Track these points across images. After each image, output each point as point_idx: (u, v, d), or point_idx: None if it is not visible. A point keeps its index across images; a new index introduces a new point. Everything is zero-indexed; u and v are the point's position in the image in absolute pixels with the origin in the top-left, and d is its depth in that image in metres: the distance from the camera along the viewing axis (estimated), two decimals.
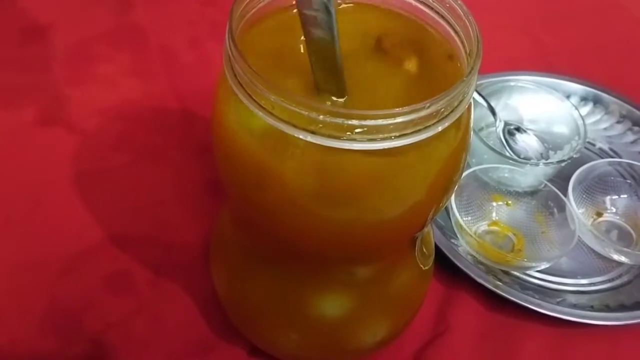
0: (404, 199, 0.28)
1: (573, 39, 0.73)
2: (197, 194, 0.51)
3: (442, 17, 0.30)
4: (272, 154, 0.27)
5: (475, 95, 0.53)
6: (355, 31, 0.31)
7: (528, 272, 0.49)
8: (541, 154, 0.56)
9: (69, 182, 0.51)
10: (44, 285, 0.45)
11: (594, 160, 0.54)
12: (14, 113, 0.56)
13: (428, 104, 0.24)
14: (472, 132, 0.31)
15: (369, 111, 0.24)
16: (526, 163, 0.52)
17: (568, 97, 0.59)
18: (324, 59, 0.26)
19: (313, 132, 0.24)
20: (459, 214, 0.47)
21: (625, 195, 0.54)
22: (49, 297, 0.44)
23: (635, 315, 0.45)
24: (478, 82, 0.28)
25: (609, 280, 0.49)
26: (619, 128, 0.61)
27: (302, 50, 0.29)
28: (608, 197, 0.54)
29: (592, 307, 0.46)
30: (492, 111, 0.56)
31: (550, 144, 0.56)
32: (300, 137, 0.24)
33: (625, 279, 0.49)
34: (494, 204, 0.52)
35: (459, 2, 0.29)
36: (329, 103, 0.27)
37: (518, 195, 0.52)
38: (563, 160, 0.52)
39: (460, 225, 0.47)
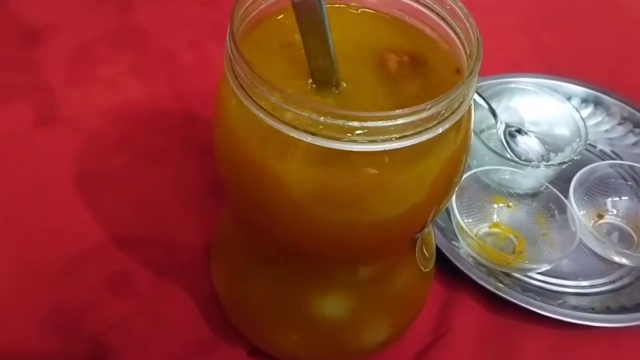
0: (404, 200, 0.28)
1: (574, 40, 0.73)
2: (198, 194, 0.51)
3: (443, 18, 0.30)
4: (272, 155, 0.27)
5: (476, 97, 0.54)
6: (357, 44, 0.31)
7: (529, 274, 0.49)
8: (542, 155, 0.56)
9: (70, 183, 0.51)
10: (45, 286, 0.45)
11: (595, 162, 0.54)
12: (15, 114, 0.56)
13: (429, 106, 0.24)
14: (472, 134, 0.31)
15: (369, 113, 0.24)
16: (527, 165, 0.52)
17: (569, 99, 0.59)
18: (317, 45, 0.26)
19: (314, 134, 0.24)
20: (460, 216, 0.47)
21: (627, 197, 0.54)
22: (49, 297, 0.44)
23: (636, 317, 0.45)
24: (479, 84, 0.28)
25: (610, 282, 0.49)
26: (620, 130, 0.61)
27: (303, 52, 0.30)
28: (609, 199, 0.54)
29: (593, 309, 0.46)
30: (493, 113, 0.56)
31: (551, 145, 0.56)
32: (301, 138, 0.24)
33: (626, 281, 0.49)
34: (495, 205, 0.52)
35: (459, 3, 0.29)
36: (329, 99, 0.27)
37: (519, 197, 0.52)
38: (564, 162, 0.52)
39: (461, 227, 0.47)
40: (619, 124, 0.61)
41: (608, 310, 0.46)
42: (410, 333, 0.42)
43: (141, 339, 0.43)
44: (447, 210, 0.49)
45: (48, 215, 0.49)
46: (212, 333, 0.43)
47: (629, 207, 0.53)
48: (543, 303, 0.45)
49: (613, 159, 0.58)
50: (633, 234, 0.52)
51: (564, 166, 0.52)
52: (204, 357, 0.42)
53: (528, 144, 0.56)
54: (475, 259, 0.48)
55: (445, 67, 0.30)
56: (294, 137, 0.25)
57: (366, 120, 0.24)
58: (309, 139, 0.24)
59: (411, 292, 0.40)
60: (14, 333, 0.42)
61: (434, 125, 0.25)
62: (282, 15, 0.31)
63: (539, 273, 0.49)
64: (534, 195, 0.52)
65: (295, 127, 0.24)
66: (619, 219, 0.53)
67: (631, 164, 0.55)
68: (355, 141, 0.24)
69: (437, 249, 0.45)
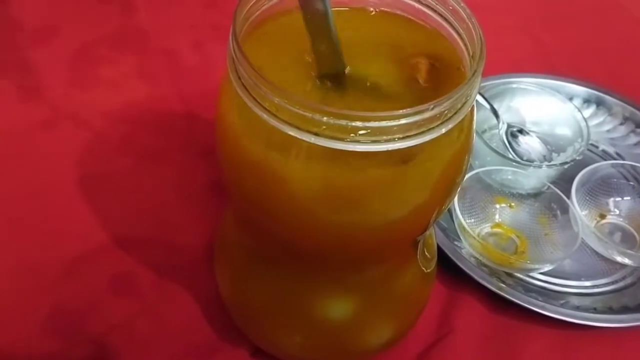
0: (407, 201, 0.28)
1: (574, 40, 0.73)
2: (201, 195, 0.51)
3: (445, 19, 0.30)
4: (276, 155, 0.27)
5: (479, 97, 0.54)
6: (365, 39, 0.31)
7: (531, 274, 0.49)
8: (544, 156, 0.56)
9: (72, 184, 0.51)
10: (47, 287, 0.45)
11: (597, 162, 0.54)
12: (18, 115, 0.56)
13: (432, 106, 0.24)
14: (475, 134, 0.31)
15: (372, 113, 0.24)
16: (529, 165, 0.52)
17: (571, 99, 0.59)
18: (319, 30, 0.27)
19: (317, 134, 0.24)
20: (462, 216, 0.47)
21: (629, 197, 0.54)
22: (51, 298, 0.44)
23: (638, 318, 0.45)
24: (481, 84, 0.28)
25: (613, 283, 0.49)
26: (622, 130, 0.61)
27: (305, 52, 0.30)
28: (611, 199, 0.54)
29: (595, 309, 0.46)
30: (495, 113, 0.56)
31: (553, 146, 0.56)
32: (304, 138, 0.24)
33: (628, 281, 0.49)
34: (497, 206, 0.52)
35: (462, 4, 0.29)
36: (332, 99, 0.27)
37: (521, 197, 0.52)
38: (566, 162, 0.52)
39: (464, 228, 0.47)
40: (621, 124, 0.61)
41: (610, 310, 0.46)
42: (413, 333, 0.42)
43: (143, 339, 0.43)
44: (449, 210, 0.49)
45: (50, 216, 0.49)
46: (215, 334, 0.43)
47: (631, 207, 0.53)
48: (545, 303, 0.45)
49: (615, 159, 0.58)
50: (635, 234, 0.52)
51: (566, 166, 0.52)
52: (206, 358, 0.43)
53: (530, 144, 0.56)
54: (478, 259, 0.48)
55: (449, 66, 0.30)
56: (296, 138, 0.25)
57: (369, 121, 0.24)
58: (312, 139, 0.24)
59: (413, 293, 0.40)
60: (16, 333, 0.42)
61: (437, 126, 0.25)
62: (285, 16, 0.31)
63: (541, 273, 0.49)
64: (536, 195, 0.52)
65: (298, 128, 0.24)
66: (621, 219, 0.53)
67: (633, 163, 0.55)
68: (358, 141, 0.24)
69: (440, 249, 0.45)
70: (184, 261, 0.47)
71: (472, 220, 0.50)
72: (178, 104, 0.59)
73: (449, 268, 0.47)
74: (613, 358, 0.45)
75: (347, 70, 0.29)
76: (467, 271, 0.46)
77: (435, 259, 0.42)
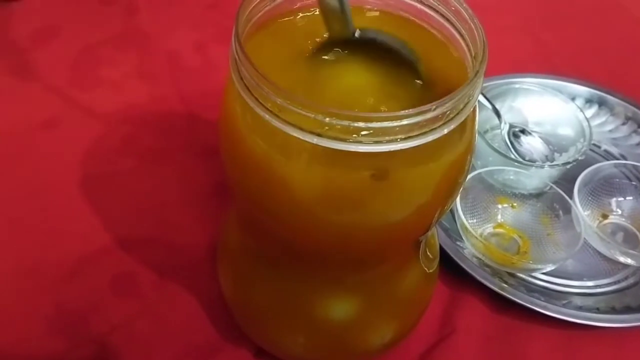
0: (410, 201, 0.29)
1: (575, 41, 0.73)
2: (203, 196, 0.51)
3: (448, 20, 0.30)
4: (278, 156, 0.27)
5: (480, 97, 0.53)
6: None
7: (534, 274, 0.48)
8: (546, 156, 0.56)
9: (75, 185, 0.51)
10: (49, 287, 0.45)
11: (599, 162, 0.54)
12: (20, 116, 0.56)
13: (434, 107, 0.24)
14: (477, 135, 0.31)
15: (375, 113, 0.24)
16: (531, 165, 0.52)
17: (573, 99, 0.59)
18: None
19: (319, 135, 0.24)
20: (465, 217, 0.47)
21: (631, 197, 0.54)
22: (54, 298, 0.44)
23: None
24: (483, 85, 0.28)
25: (615, 283, 0.49)
26: (624, 130, 0.61)
27: (308, 53, 0.30)
28: (614, 199, 0.54)
29: (597, 309, 0.46)
30: (497, 113, 0.56)
31: (555, 146, 0.56)
32: (307, 139, 0.24)
33: (631, 281, 0.49)
34: (500, 206, 0.52)
35: (464, 5, 0.29)
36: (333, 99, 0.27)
37: (523, 197, 0.52)
38: (568, 163, 0.52)
39: (466, 228, 0.47)
40: (623, 123, 0.61)
41: (613, 310, 0.46)
42: (415, 334, 0.42)
43: (145, 340, 0.43)
44: (451, 210, 0.49)
45: (51, 216, 0.49)
46: (217, 334, 0.43)
47: (634, 207, 0.53)
48: (548, 303, 0.45)
49: (617, 159, 0.58)
50: (638, 234, 0.52)
51: (568, 166, 0.52)
52: (208, 358, 0.43)
53: (532, 144, 0.56)
54: (480, 259, 0.48)
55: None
56: (299, 138, 0.25)
57: (372, 121, 0.24)
58: (314, 140, 0.24)
59: (416, 293, 0.40)
60: (18, 334, 0.43)
61: (439, 126, 0.25)
62: (287, 17, 0.31)
63: (543, 273, 0.48)
64: (538, 195, 0.52)
65: (300, 128, 0.24)
66: (623, 219, 0.53)
67: (635, 163, 0.55)
68: (360, 142, 0.24)
69: (442, 249, 0.45)
70: (185, 261, 0.47)
71: (475, 220, 0.50)
72: (179, 105, 0.59)
73: (451, 268, 0.47)
74: (616, 358, 0.45)
75: (357, 33, 0.29)
76: (470, 271, 0.46)
77: (438, 259, 0.42)
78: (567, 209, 0.49)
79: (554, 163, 0.54)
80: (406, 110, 0.24)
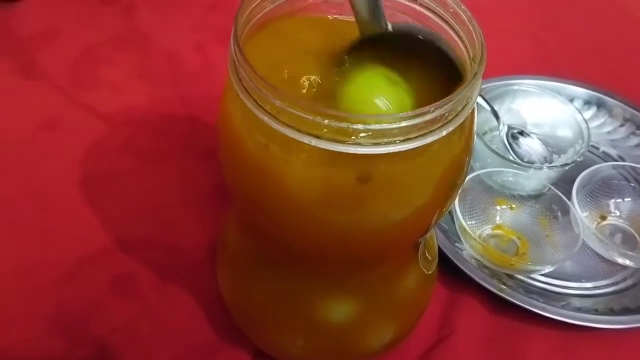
0: (408, 203, 0.29)
1: (575, 42, 0.73)
2: (202, 197, 0.52)
3: (446, 22, 0.30)
4: (277, 158, 0.27)
5: (479, 99, 0.54)
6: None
7: (532, 275, 0.49)
8: (545, 157, 0.56)
9: (76, 186, 0.51)
10: (50, 288, 0.45)
11: (597, 163, 0.54)
12: (20, 117, 0.56)
13: (432, 108, 0.24)
14: (475, 136, 0.31)
15: (373, 115, 0.24)
16: (530, 167, 0.52)
17: (571, 100, 0.59)
18: None
19: (318, 137, 0.24)
20: (463, 218, 0.47)
21: (629, 199, 0.54)
22: (54, 299, 0.44)
23: (639, 319, 0.45)
24: (481, 86, 0.28)
25: (613, 284, 0.49)
26: (623, 131, 0.61)
27: (306, 55, 0.30)
28: (612, 201, 0.54)
29: (596, 310, 0.46)
30: (496, 115, 0.56)
31: (553, 147, 0.57)
32: (305, 141, 0.25)
33: (629, 282, 0.49)
34: (498, 207, 0.52)
35: (463, 7, 0.29)
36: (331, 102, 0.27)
37: (522, 198, 0.52)
38: (567, 164, 0.52)
39: (464, 229, 0.47)
40: (622, 125, 0.61)
41: (611, 311, 0.46)
42: (414, 335, 0.42)
43: (145, 341, 0.43)
44: (450, 212, 0.49)
45: (52, 217, 0.49)
46: (217, 336, 0.44)
47: (632, 209, 0.53)
48: (546, 305, 0.45)
49: (616, 161, 0.58)
50: (636, 235, 0.52)
51: (566, 168, 0.52)
52: (208, 359, 0.43)
53: (531, 146, 0.56)
54: (479, 260, 0.48)
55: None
56: (298, 140, 0.25)
57: (370, 123, 0.24)
58: (313, 141, 0.24)
59: (414, 295, 0.40)
60: (18, 334, 0.43)
61: (437, 128, 0.25)
62: (286, 19, 0.31)
63: (542, 275, 0.49)
64: (536, 197, 0.52)
65: (299, 130, 0.24)
66: (622, 221, 0.53)
67: (634, 165, 0.55)
68: (359, 144, 0.24)
69: (440, 251, 0.45)
70: (185, 262, 0.47)
71: (473, 221, 0.51)
72: (179, 106, 0.59)
73: (450, 270, 0.47)
74: (614, 359, 0.45)
75: (391, 27, 0.29)
76: (468, 273, 0.46)
77: (436, 260, 0.42)
78: (566, 211, 0.49)
79: (553, 164, 0.54)
80: (404, 112, 0.24)
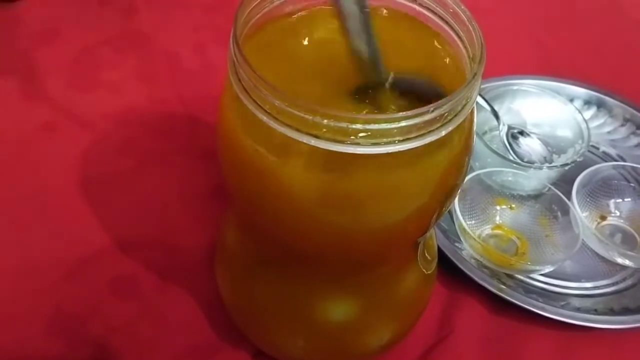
0: (408, 203, 0.29)
1: (575, 42, 0.73)
2: (202, 198, 0.51)
3: (446, 22, 0.30)
4: (276, 158, 0.27)
5: (479, 99, 0.54)
6: None
7: (532, 275, 0.49)
8: (545, 157, 0.56)
9: (74, 187, 0.51)
10: (49, 289, 0.45)
11: (597, 163, 0.54)
12: (19, 117, 0.56)
13: (432, 108, 0.24)
14: (475, 136, 0.31)
15: (372, 115, 0.24)
16: (530, 167, 0.52)
17: (571, 100, 0.59)
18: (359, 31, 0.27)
19: (317, 137, 0.24)
20: (463, 218, 0.47)
21: (629, 199, 0.54)
22: (53, 300, 0.44)
23: (639, 319, 0.45)
24: (481, 86, 0.28)
25: (613, 284, 0.49)
26: (623, 131, 0.61)
27: (305, 55, 0.30)
28: (612, 201, 0.54)
29: (596, 310, 0.46)
30: (496, 115, 0.56)
31: (553, 147, 0.57)
32: (304, 141, 0.24)
33: (629, 282, 0.49)
34: (498, 207, 0.52)
35: (463, 7, 0.29)
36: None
37: (522, 198, 0.52)
38: (567, 164, 0.52)
39: (464, 229, 0.47)
40: (622, 125, 0.61)
41: (611, 311, 0.46)
42: (413, 335, 0.42)
43: (145, 341, 0.43)
44: (449, 212, 0.49)
45: (52, 218, 0.49)
46: (216, 336, 0.43)
47: (632, 209, 0.53)
48: (546, 305, 0.45)
49: (616, 161, 0.58)
50: (636, 235, 0.52)
51: (566, 168, 0.52)
52: (207, 359, 0.43)
53: (530, 146, 0.56)
54: (478, 260, 0.48)
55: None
56: (297, 140, 0.25)
57: (369, 123, 0.24)
58: (312, 141, 0.24)
59: (414, 295, 0.40)
60: (18, 335, 0.43)
61: (437, 128, 0.25)
62: (286, 19, 0.31)
63: (541, 275, 0.49)
64: (536, 196, 0.52)
65: (298, 130, 0.24)
66: (621, 221, 0.53)
67: (634, 165, 0.55)
68: (358, 144, 0.24)
69: (440, 250, 0.45)
70: (185, 263, 0.47)
71: (473, 221, 0.51)
72: (179, 107, 0.59)
73: (449, 269, 0.47)
74: (613, 359, 0.45)
75: (391, 77, 0.28)
76: (468, 273, 0.46)
77: (436, 260, 0.42)
78: (566, 211, 0.49)
79: (553, 164, 0.54)
80: (404, 112, 0.24)
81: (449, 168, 0.29)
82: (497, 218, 0.52)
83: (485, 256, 0.47)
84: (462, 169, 0.30)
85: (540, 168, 0.53)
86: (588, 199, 0.53)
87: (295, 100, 0.24)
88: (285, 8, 0.31)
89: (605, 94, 0.62)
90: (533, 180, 0.52)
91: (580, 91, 0.62)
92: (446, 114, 0.25)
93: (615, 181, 0.54)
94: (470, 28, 0.28)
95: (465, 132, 0.29)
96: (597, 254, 0.51)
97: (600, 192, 0.53)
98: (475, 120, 0.30)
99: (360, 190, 0.27)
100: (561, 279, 0.49)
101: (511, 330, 0.46)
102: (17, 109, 0.57)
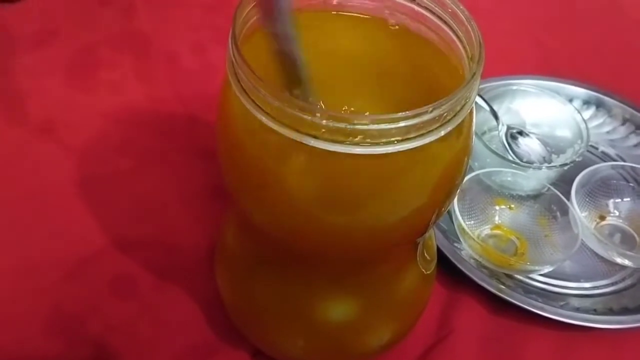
0: (407, 203, 0.29)
1: (574, 42, 0.73)
2: (201, 197, 0.51)
3: (445, 22, 0.30)
4: (275, 158, 0.27)
5: (478, 99, 0.54)
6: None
7: (531, 275, 0.49)
8: (544, 157, 0.56)
9: (73, 186, 0.51)
10: (48, 289, 0.45)
11: (596, 163, 0.54)
12: (18, 118, 0.56)
13: (431, 109, 0.24)
14: (474, 136, 0.31)
15: (372, 115, 0.24)
16: (529, 167, 0.52)
17: (570, 100, 0.59)
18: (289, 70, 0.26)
19: (316, 137, 0.24)
20: (462, 218, 0.47)
21: (629, 199, 0.54)
22: (52, 300, 0.44)
23: (638, 319, 0.45)
24: (480, 86, 0.28)
25: (613, 284, 0.49)
26: (622, 131, 0.61)
27: (305, 54, 0.30)
28: (611, 201, 0.54)
29: (595, 310, 0.46)
30: (495, 115, 0.56)
31: (553, 147, 0.57)
32: (303, 141, 0.24)
33: (628, 282, 0.49)
34: (497, 207, 0.52)
35: (461, 7, 0.29)
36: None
37: (521, 198, 0.52)
38: (566, 164, 0.52)
39: (463, 229, 0.47)
40: (621, 125, 0.61)
41: (610, 311, 0.46)
42: (413, 335, 0.42)
43: (144, 341, 0.43)
44: (449, 212, 0.49)
45: (51, 218, 0.49)
46: (215, 336, 0.43)
47: (631, 209, 0.53)
48: (545, 305, 0.45)
49: (615, 161, 0.58)
50: (635, 235, 0.52)
51: (565, 168, 0.52)
52: (207, 359, 0.43)
53: (530, 146, 0.56)
54: (477, 260, 0.48)
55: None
56: (296, 141, 0.25)
57: (368, 123, 0.24)
58: (311, 142, 0.24)
59: (413, 295, 0.40)
60: (17, 335, 0.43)
61: (436, 128, 0.25)
62: None
63: (541, 275, 0.49)
64: (535, 197, 0.52)
65: (297, 131, 0.24)
66: (621, 221, 0.53)
67: (633, 165, 0.55)
68: (357, 144, 0.24)
69: (439, 250, 0.45)
70: (184, 263, 0.47)
71: (472, 221, 0.51)
72: (178, 107, 0.59)
73: (448, 270, 0.47)
74: (613, 359, 0.45)
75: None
76: (467, 273, 0.46)
77: (435, 260, 0.42)
78: (565, 211, 0.49)
79: (552, 164, 0.54)
80: (403, 112, 0.24)
81: (448, 168, 0.29)
82: (496, 218, 0.52)
83: (485, 256, 0.47)
84: (461, 169, 0.30)
85: (540, 168, 0.53)
86: (587, 199, 0.53)
87: (294, 101, 0.24)
88: None
89: (605, 94, 0.62)
90: (532, 180, 0.52)
91: (580, 91, 0.62)
92: (445, 114, 0.25)
93: (615, 181, 0.54)
94: (469, 28, 0.28)
95: (464, 132, 0.29)
96: (597, 254, 0.51)
97: (599, 192, 0.53)
98: (474, 120, 0.30)
99: (359, 191, 0.27)
100: (560, 279, 0.49)
101: (510, 330, 0.46)
102: (15, 108, 0.57)
